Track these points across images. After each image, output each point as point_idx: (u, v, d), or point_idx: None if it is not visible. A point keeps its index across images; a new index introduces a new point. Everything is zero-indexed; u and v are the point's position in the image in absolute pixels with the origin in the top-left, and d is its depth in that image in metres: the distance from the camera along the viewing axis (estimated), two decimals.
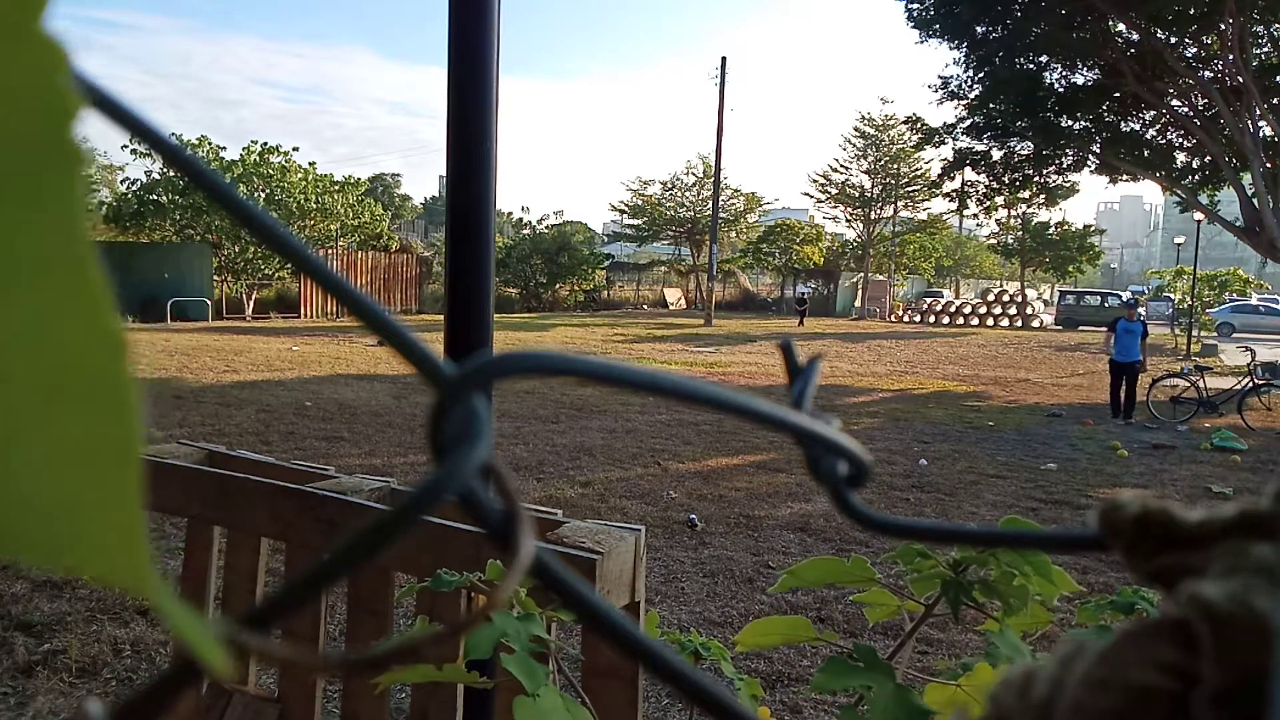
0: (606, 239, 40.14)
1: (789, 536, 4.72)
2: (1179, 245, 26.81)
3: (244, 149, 23.19)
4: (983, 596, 0.75)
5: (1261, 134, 13.44)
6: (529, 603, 0.81)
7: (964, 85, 15.94)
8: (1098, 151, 15.60)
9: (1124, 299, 10.83)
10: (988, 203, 19.19)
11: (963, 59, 15.70)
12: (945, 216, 36.69)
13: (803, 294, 29.62)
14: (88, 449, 0.12)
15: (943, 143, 17.42)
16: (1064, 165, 16.38)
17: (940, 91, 16.24)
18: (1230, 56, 12.91)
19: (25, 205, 0.11)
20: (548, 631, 0.96)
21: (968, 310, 31.57)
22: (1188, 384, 9.62)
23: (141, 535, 0.13)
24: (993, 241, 37.03)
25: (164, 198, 21.62)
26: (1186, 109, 14.46)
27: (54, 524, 0.12)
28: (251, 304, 22.44)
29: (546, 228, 33.47)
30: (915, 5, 15.38)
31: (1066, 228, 32.47)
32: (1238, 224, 14.45)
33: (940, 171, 19.02)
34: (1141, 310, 9.30)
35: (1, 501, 0.12)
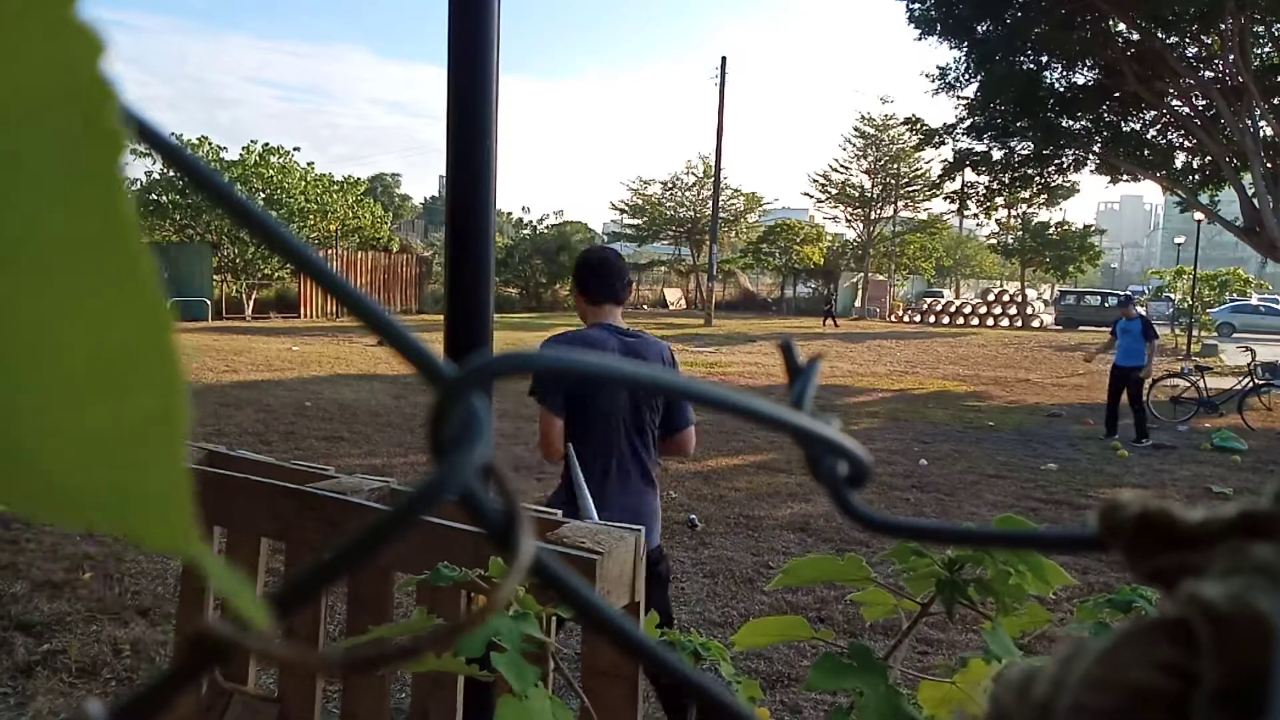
0: (607, 239, 40.10)
1: (789, 537, 4.72)
2: (1179, 245, 26.81)
3: (244, 149, 23.19)
4: (978, 595, 0.75)
5: (1262, 134, 13.44)
6: (529, 601, 0.81)
7: (961, 78, 15.93)
8: (1098, 151, 15.61)
9: (1119, 298, 9.92)
10: (988, 203, 19.19)
11: (963, 58, 15.71)
12: (945, 216, 36.71)
13: (830, 297, 29.78)
14: (137, 419, 0.13)
15: (943, 143, 17.42)
16: (1064, 165, 16.38)
17: (937, 82, 16.23)
18: (1231, 56, 12.91)
19: (71, 188, 0.12)
20: (548, 630, 0.96)
21: (968, 310, 31.57)
22: (1188, 384, 9.61)
23: (188, 501, 0.14)
24: (993, 241, 37.04)
25: (164, 198, 21.61)
26: (1187, 109, 14.46)
27: (106, 491, 0.13)
28: (251, 304, 22.44)
29: (547, 228, 33.46)
30: (915, 4, 15.38)
31: (1066, 228, 32.47)
32: (1238, 224, 14.45)
33: (941, 172, 19.03)
34: (1140, 309, 8.66)
35: (59, 471, 0.13)
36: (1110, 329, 8.82)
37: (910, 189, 35.35)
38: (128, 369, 0.12)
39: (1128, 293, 10.34)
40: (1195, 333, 18.84)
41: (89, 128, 0.11)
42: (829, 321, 25.99)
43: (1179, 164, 15.63)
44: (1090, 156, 15.84)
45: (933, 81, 16.26)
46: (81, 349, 0.12)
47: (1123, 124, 15.49)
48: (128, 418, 0.13)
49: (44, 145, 0.11)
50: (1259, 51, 13.53)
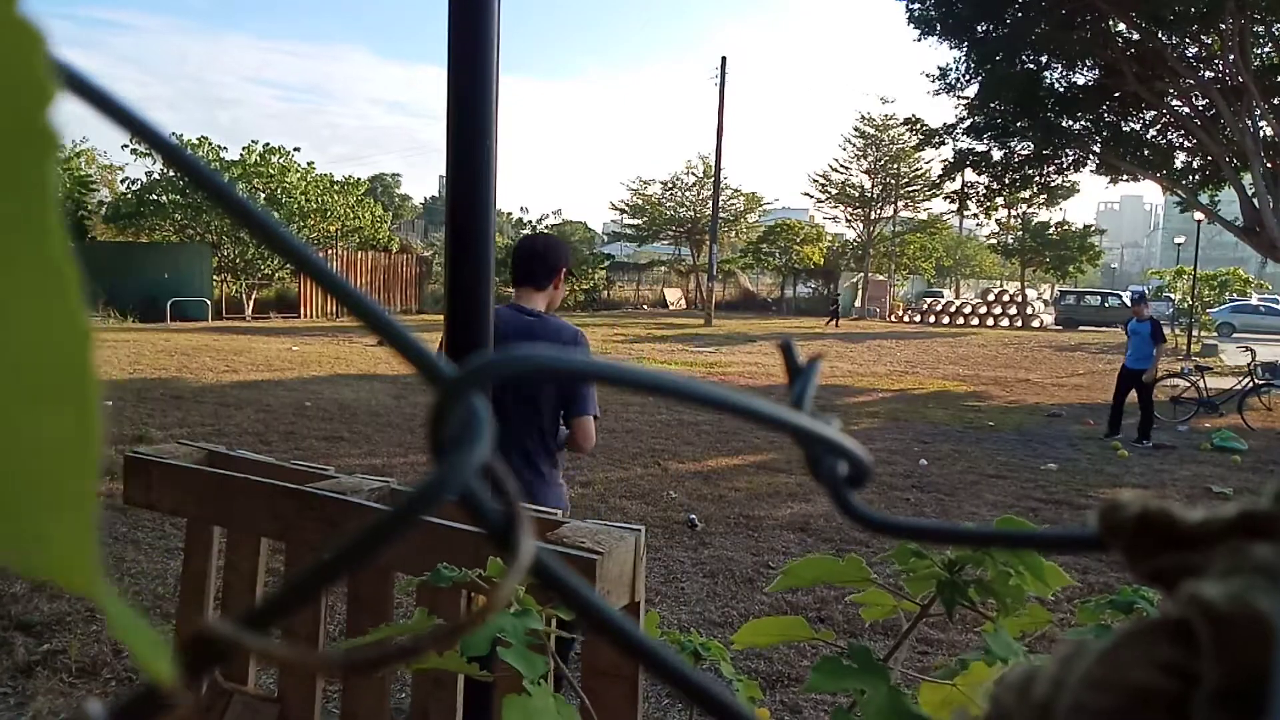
0: (606, 239, 40.15)
1: (789, 537, 4.72)
2: (1179, 245, 26.81)
3: (244, 149, 23.20)
4: (978, 596, 0.75)
5: (1262, 134, 13.44)
6: (528, 600, 0.81)
7: (961, 79, 15.93)
8: (1098, 151, 15.60)
9: (1131, 295, 9.59)
10: (988, 203, 19.19)
11: (963, 58, 15.71)
12: (945, 216, 36.71)
13: (835, 298, 29.71)
14: (44, 444, 0.12)
15: (943, 143, 17.42)
16: (1064, 165, 16.38)
17: (939, 82, 16.23)
18: (1231, 56, 12.91)
19: None
20: (549, 635, 0.96)
21: (968, 310, 31.56)
22: (1188, 384, 9.61)
23: (92, 537, 0.12)
24: (993, 241, 37.04)
25: (164, 198, 21.61)
26: (1187, 109, 14.46)
27: (5, 523, 0.12)
28: (251, 304, 22.44)
29: (546, 227, 33.46)
30: (915, 4, 15.38)
31: (1066, 228, 32.47)
32: (1238, 224, 14.45)
33: (941, 172, 19.02)
34: (1148, 309, 8.49)
35: None
36: (1125, 328, 8.72)
37: (910, 189, 35.35)
38: (39, 387, 0.11)
39: (1141, 289, 9.92)
40: (1195, 333, 18.84)
41: (18, 127, 0.11)
42: (833, 322, 26.01)
43: (1179, 164, 15.63)
44: (1090, 156, 15.84)
45: (933, 82, 16.26)
46: None
47: (1123, 124, 15.49)
48: (35, 441, 0.11)
49: None
50: (1259, 51, 13.53)
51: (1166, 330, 9.17)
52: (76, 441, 0.12)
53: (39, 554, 0.12)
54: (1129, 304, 9.15)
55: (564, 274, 2.37)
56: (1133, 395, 8.17)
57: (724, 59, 27.19)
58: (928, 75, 16.34)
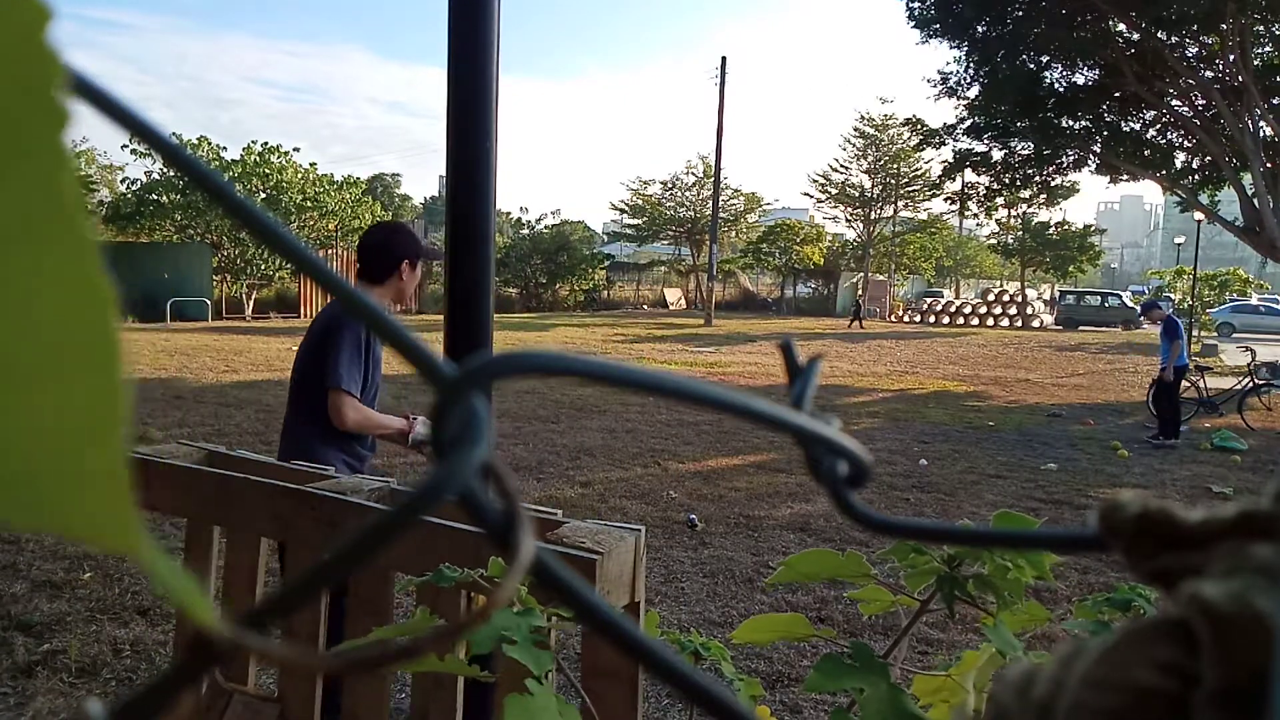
0: (606, 239, 40.11)
1: (789, 536, 4.72)
2: (1179, 245, 26.82)
3: (244, 149, 23.20)
4: (977, 591, 0.75)
5: (1262, 134, 13.44)
6: (528, 599, 0.81)
7: (963, 82, 15.93)
8: (1098, 151, 15.60)
9: (1142, 305, 9.49)
10: (988, 203, 19.19)
11: (963, 58, 15.70)
12: (945, 216, 36.71)
13: (859, 298, 29.58)
14: (75, 408, 0.12)
15: (943, 144, 17.42)
16: (1064, 165, 16.37)
17: (940, 87, 16.23)
18: (1231, 56, 12.91)
19: (10, 162, 0.11)
20: (548, 631, 0.95)
21: (968, 310, 31.56)
22: (1188, 384, 9.61)
23: (129, 495, 0.13)
24: (993, 241, 37.04)
25: (164, 198, 21.61)
26: (1187, 109, 14.46)
27: (42, 486, 0.12)
28: (251, 304, 22.44)
29: (546, 228, 33.45)
30: (916, 4, 15.38)
31: (1066, 228, 32.46)
32: (1238, 224, 14.45)
33: (941, 173, 19.02)
34: (1160, 312, 8.44)
35: None
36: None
37: (910, 189, 35.35)
38: (65, 354, 0.12)
39: (1153, 300, 9.50)
40: (1195, 333, 18.85)
41: (32, 100, 0.11)
42: (856, 322, 25.98)
43: (1179, 164, 15.62)
44: (1090, 156, 15.84)
45: (935, 87, 16.25)
46: (15, 333, 0.11)
47: (1123, 124, 15.49)
48: (64, 406, 0.12)
49: None
50: (1259, 51, 13.53)
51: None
52: (105, 403, 0.12)
53: (80, 517, 0.12)
54: (1140, 309, 8.98)
55: (412, 264, 2.33)
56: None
57: (724, 59, 27.21)
58: (929, 81, 16.33)
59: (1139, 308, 8.49)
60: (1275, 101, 13.21)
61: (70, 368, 0.12)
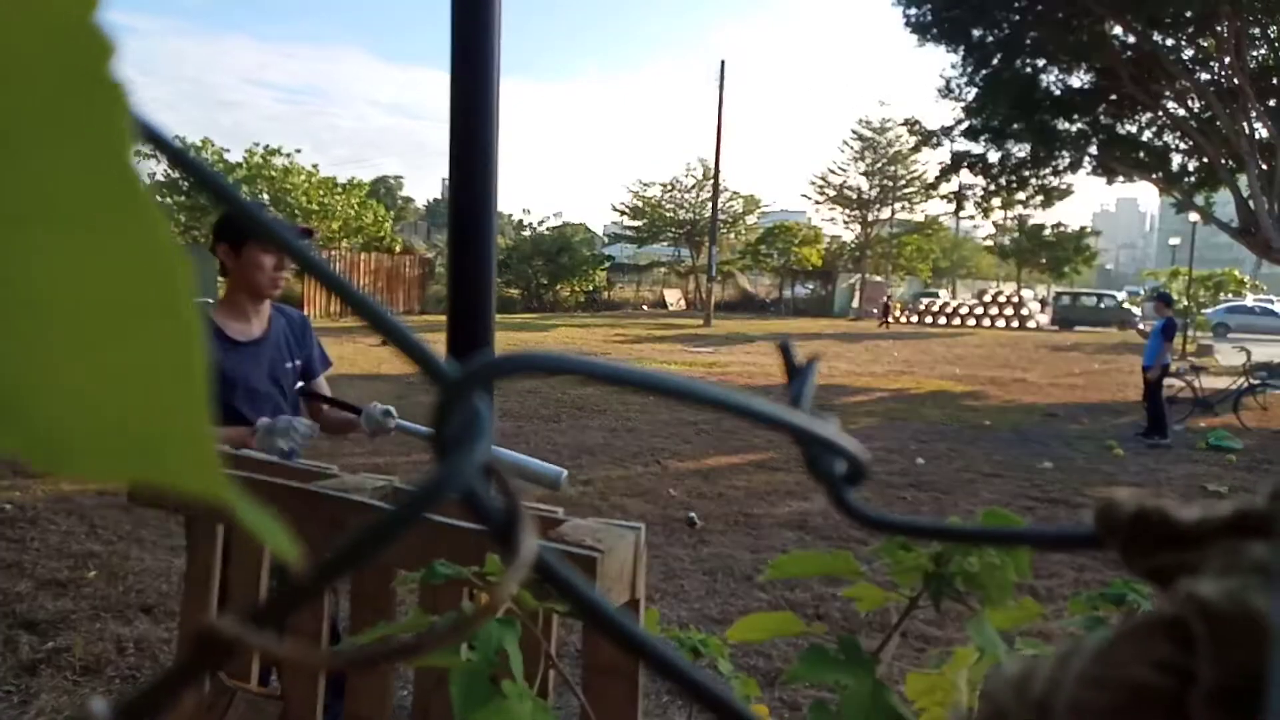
0: (607, 240, 40.05)
1: (788, 534, 4.72)
2: (1174, 246, 26.88)
3: (247, 151, 23.19)
4: (965, 588, 0.75)
5: (1257, 136, 13.46)
6: (527, 597, 0.81)
7: (962, 88, 15.95)
8: (1094, 153, 15.63)
9: (1156, 296, 9.24)
10: (985, 205, 19.21)
11: (960, 62, 15.72)
12: (942, 218, 36.76)
13: (887, 297, 29.54)
14: (156, 364, 0.13)
15: (939, 145, 17.44)
16: (1060, 167, 16.39)
17: (939, 92, 16.26)
18: (1227, 59, 12.94)
19: (75, 139, 0.12)
20: (548, 630, 0.96)
21: (964, 311, 31.60)
22: (1183, 384, 9.63)
23: (211, 440, 0.14)
24: (989, 243, 37.10)
25: (166, 199, 21.57)
26: (1183, 111, 14.48)
27: (130, 437, 0.13)
28: None
29: (547, 229, 33.42)
30: (913, 9, 15.38)
31: (1062, 229, 32.53)
32: (1233, 225, 14.48)
33: (937, 174, 19.03)
34: (1137, 309, 8.49)
35: (79, 419, 0.13)
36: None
37: (907, 191, 35.39)
38: (141, 311, 0.13)
39: (1167, 293, 9.38)
40: (1190, 333, 18.89)
41: (89, 79, 0.12)
42: (884, 323, 26.05)
43: (1175, 166, 15.65)
44: (1086, 158, 15.86)
45: (942, 96, 16.24)
46: (93, 296, 0.12)
47: (1119, 126, 15.51)
48: (144, 361, 0.13)
49: (43, 98, 0.12)
50: (1255, 54, 13.56)
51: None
52: (183, 358, 0.13)
53: (164, 461, 0.13)
54: (1154, 298, 8.98)
55: (233, 247, 2.04)
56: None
57: (722, 64, 27.20)
58: (939, 90, 16.29)
59: (1152, 296, 8.40)
60: (1270, 103, 13.24)
61: (153, 322, 0.13)
